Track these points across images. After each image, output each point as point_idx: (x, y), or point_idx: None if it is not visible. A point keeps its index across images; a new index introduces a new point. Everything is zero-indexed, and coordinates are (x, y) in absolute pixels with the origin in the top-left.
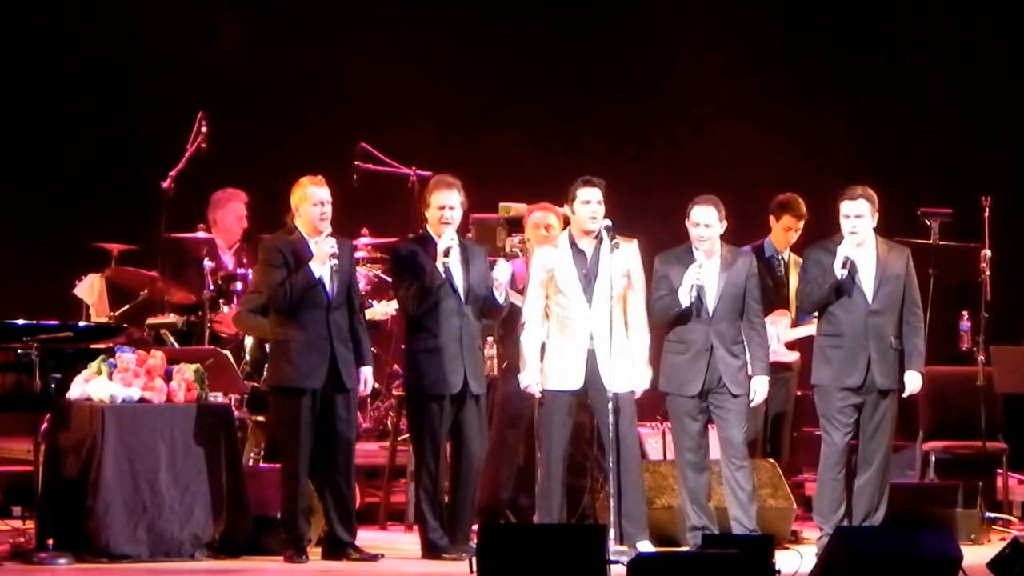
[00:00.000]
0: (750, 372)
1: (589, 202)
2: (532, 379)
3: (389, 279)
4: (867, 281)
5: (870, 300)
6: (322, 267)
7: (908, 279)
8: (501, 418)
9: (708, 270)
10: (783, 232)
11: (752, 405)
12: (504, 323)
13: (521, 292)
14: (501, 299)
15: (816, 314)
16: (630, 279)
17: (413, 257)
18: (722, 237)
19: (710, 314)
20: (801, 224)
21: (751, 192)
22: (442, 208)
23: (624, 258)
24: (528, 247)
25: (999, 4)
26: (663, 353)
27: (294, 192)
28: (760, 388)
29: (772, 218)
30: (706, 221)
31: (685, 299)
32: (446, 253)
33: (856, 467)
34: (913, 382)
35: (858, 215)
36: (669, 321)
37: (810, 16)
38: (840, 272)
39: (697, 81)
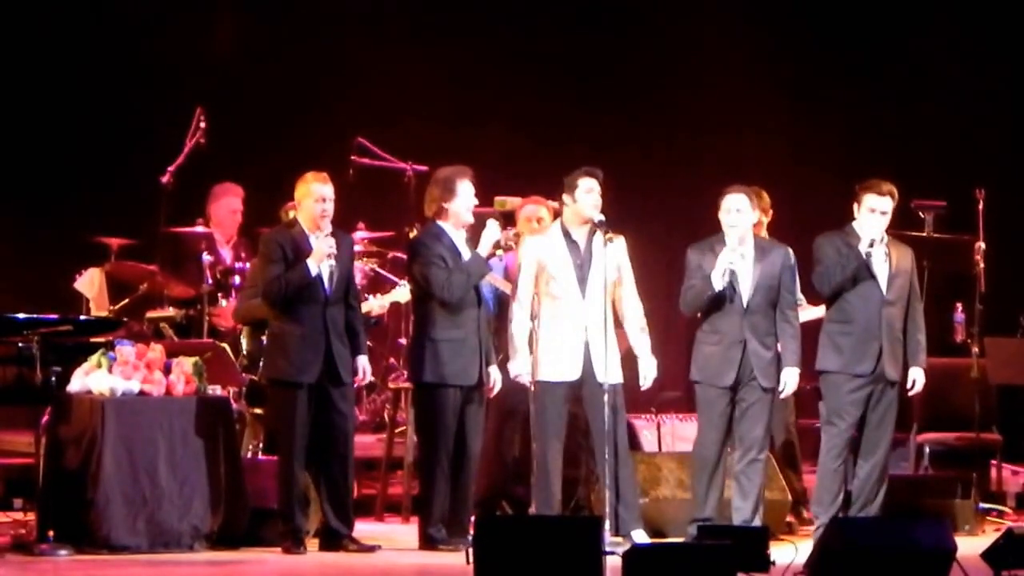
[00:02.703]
0: (782, 363)
1: (592, 191)
2: (522, 368)
3: (386, 274)
4: (881, 272)
5: (885, 291)
6: (319, 265)
7: (913, 276)
8: (497, 410)
9: (742, 260)
10: None
11: (782, 396)
12: (500, 315)
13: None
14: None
15: (802, 301)
16: (621, 275)
17: (443, 247)
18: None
19: (744, 305)
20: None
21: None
22: (471, 195)
23: (614, 253)
24: (520, 240)
25: None
26: (696, 343)
27: (298, 186)
28: (791, 379)
29: None
30: (737, 206)
31: (718, 283)
32: (498, 245)
33: (857, 457)
34: (919, 378)
35: (883, 212)
36: (702, 308)
37: (805, 11)
38: (867, 251)
39: (694, 77)
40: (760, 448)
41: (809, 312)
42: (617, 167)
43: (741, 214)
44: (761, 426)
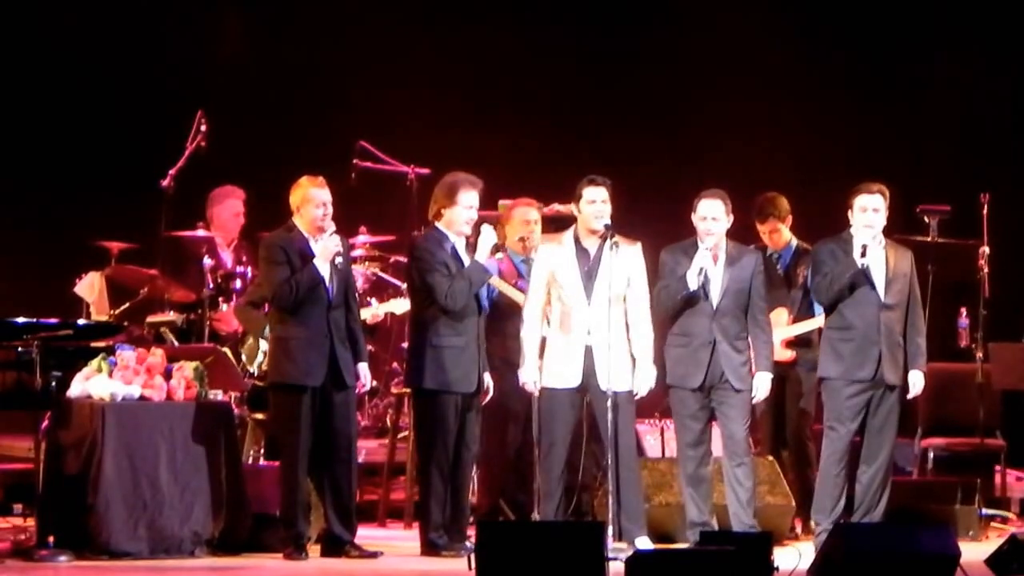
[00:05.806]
0: (754, 368)
1: (594, 201)
2: (530, 376)
3: (388, 278)
4: (878, 277)
5: (882, 295)
6: (326, 265)
7: (912, 278)
8: (495, 414)
9: (714, 264)
10: (768, 234)
11: (754, 402)
12: (494, 318)
13: (514, 286)
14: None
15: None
16: (632, 281)
17: (443, 253)
18: (729, 235)
19: (714, 308)
20: (778, 225)
21: (751, 190)
22: (470, 207)
23: (627, 260)
24: (509, 244)
25: (997, 3)
26: (666, 346)
27: (294, 192)
28: (762, 385)
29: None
30: (713, 214)
31: (693, 282)
32: (496, 250)
33: (860, 462)
34: (918, 382)
35: (875, 209)
36: (675, 308)
37: (812, 16)
38: (861, 260)
39: (699, 80)
40: (744, 450)
41: (797, 328)
42: (624, 172)
43: (717, 222)
44: (741, 428)
